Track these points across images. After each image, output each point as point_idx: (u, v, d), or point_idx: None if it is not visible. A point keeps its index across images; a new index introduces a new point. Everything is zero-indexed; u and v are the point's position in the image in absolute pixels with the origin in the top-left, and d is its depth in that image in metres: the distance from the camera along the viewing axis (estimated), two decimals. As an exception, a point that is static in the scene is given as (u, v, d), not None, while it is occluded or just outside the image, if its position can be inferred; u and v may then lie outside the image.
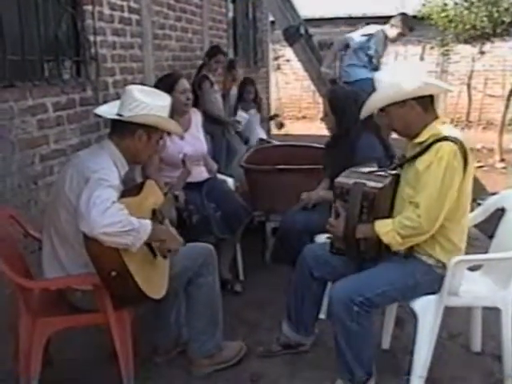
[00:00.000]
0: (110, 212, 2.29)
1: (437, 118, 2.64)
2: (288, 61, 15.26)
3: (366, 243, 2.65)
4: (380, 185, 2.60)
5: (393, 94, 2.57)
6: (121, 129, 2.66)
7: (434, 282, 2.67)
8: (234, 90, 6.61)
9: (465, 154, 2.49)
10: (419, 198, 2.51)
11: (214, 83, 5.93)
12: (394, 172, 2.75)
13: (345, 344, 2.65)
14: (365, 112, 2.75)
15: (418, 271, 2.65)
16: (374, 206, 2.60)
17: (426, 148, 2.54)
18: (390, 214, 2.70)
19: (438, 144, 2.49)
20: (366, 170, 2.85)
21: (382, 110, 2.66)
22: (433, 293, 2.68)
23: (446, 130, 2.58)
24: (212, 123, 6.11)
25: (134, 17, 4.65)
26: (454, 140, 2.48)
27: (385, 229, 2.55)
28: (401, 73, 2.68)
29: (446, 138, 2.49)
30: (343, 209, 2.67)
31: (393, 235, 2.53)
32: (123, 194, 2.51)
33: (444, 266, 2.63)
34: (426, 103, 2.61)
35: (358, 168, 2.88)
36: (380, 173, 2.78)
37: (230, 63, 6.49)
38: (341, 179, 2.72)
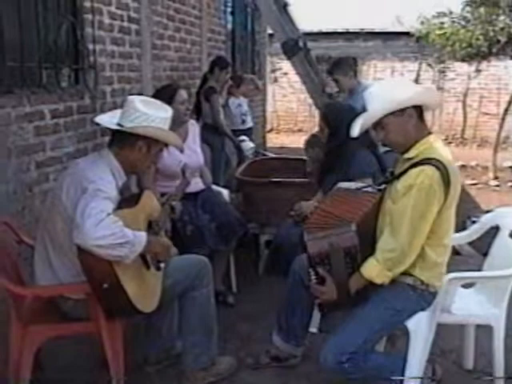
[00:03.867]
0: (104, 224, 2.27)
1: (430, 133, 2.62)
2: (285, 74, 15.35)
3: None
4: (353, 230, 2.52)
5: (389, 104, 2.52)
6: (121, 139, 2.66)
7: (418, 302, 2.66)
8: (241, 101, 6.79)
9: (447, 177, 2.45)
10: (398, 223, 2.49)
11: (217, 93, 6.12)
12: (381, 187, 2.74)
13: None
14: (362, 127, 2.67)
15: (396, 301, 2.63)
16: (357, 255, 2.56)
17: (411, 166, 2.51)
18: (374, 233, 2.69)
19: (420, 168, 2.46)
20: (353, 186, 2.85)
21: (377, 124, 2.60)
22: (423, 309, 2.68)
23: (436, 148, 2.55)
24: (213, 134, 6.22)
25: (134, 26, 4.66)
26: (437, 164, 2.44)
27: (374, 271, 2.52)
28: (393, 85, 2.69)
29: (429, 162, 2.46)
30: (327, 273, 2.61)
31: (383, 273, 2.52)
32: (120, 205, 2.50)
33: (426, 284, 2.62)
34: (421, 113, 2.59)
35: (346, 185, 2.89)
36: (367, 189, 2.78)
37: (239, 79, 6.78)
38: (313, 247, 2.62)
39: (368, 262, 2.54)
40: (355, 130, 2.71)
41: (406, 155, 2.59)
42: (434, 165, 2.45)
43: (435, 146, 2.57)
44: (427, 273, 2.61)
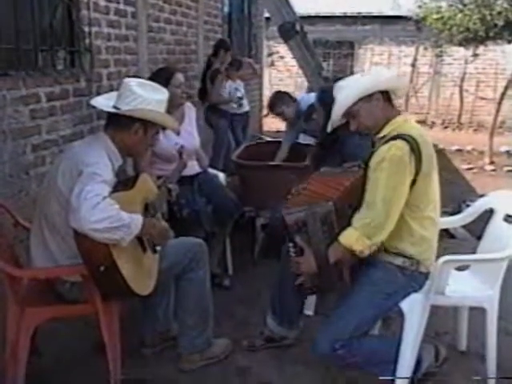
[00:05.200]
0: (100, 207, 2.27)
1: (399, 114, 2.69)
2: (282, 57, 15.28)
3: (338, 267, 2.64)
4: (330, 204, 2.57)
5: (356, 90, 2.62)
6: (117, 122, 2.65)
7: (408, 283, 2.68)
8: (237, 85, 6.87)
9: (418, 149, 2.50)
10: (372, 195, 2.53)
11: (229, 76, 6.51)
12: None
13: (365, 368, 2.76)
14: (335, 119, 2.76)
15: (386, 285, 2.66)
16: (334, 224, 2.59)
17: (382, 144, 2.57)
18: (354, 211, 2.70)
19: (391, 142, 2.53)
20: (339, 169, 2.90)
21: (348, 114, 2.69)
22: (415, 291, 2.70)
23: (405, 125, 2.63)
24: (217, 117, 6.39)
25: (130, 9, 4.64)
26: (406, 138, 2.51)
27: (352, 238, 2.53)
28: (357, 76, 2.82)
29: (398, 137, 2.53)
30: (306, 243, 2.63)
31: (361, 240, 2.52)
32: (116, 187, 2.50)
33: (417, 262, 2.65)
34: (389, 96, 2.69)
35: (333, 169, 2.95)
36: (353, 168, 2.82)
37: (238, 63, 6.84)
38: (290, 218, 2.63)
39: (346, 230, 2.57)
40: (329, 126, 2.83)
41: (379, 135, 2.67)
42: (403, 138, 2.52)
43: (405, 123, 2.65)
44: (416, 247, 2.64)
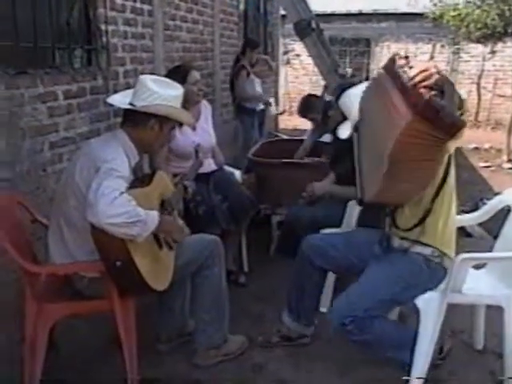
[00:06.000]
0: (118, 202, 2.29)
1: None
2: (298, 55, 15.26)
3: None
4: None
5: None
6: (133, 118, 2.68)
7: (430, 278, 2.68)
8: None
9: None
10: None
11: (250, 73, 6.63)
12: None
13: (374, 349, 2.75)
14: (354, 121, 2.75)
15: (409, 274, 2.66)
16: None
17: None
18: None
19: None
20: None
21: None
22: (433, 288, 2.69)
23: None
24: (242, 113, 6.48)
25: (146, 7, 4.65)
26: None
27: None
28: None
29: None
30: None
31: None
32: (133, 184, 2.52)
33: (444, 254, 2.64)
34: None
35: None
36: None
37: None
38: None
39: None
40: (345, 133, 2.86)
41: None
42: None
43: None
44: (443, 240, 2.64)
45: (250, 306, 3.74)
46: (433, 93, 2.15)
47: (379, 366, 2.91)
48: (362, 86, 2.84)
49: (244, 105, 6.74)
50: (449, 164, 2.52)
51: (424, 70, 2.22)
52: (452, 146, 2.29)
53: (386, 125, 2.31)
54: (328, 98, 4.40)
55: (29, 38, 3.27)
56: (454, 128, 2.14)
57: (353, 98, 2.75)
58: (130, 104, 2.66)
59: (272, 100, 7.22)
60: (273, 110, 7.23)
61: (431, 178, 2.38)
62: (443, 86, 2.20)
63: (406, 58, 2.38)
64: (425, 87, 2.17)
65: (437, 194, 2.55)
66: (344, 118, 3.29)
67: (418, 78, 2.20)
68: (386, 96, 2.36)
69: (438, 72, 2.22)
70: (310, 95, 5.23)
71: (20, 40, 3.17)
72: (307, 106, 4.95)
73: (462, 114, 2.26)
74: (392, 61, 2.41)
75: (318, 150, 4.71)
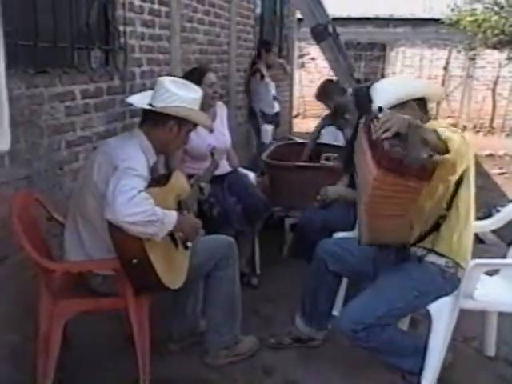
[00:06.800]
0: (136, 201, 2.31)
1: (429, 119, 2.67)
2: (313, 59, 15.25)
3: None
4: None
5: (393, 96, 2.61)
6: (152, 119, 2.71)
7: (443, 287, 2.68)
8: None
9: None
10: None
11: (265, 76, 6.63)
12: None
13: (376, 354, 2.78)
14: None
15: (423, 284, 2.66)
16: None
17: None
18: None
19: None
20: None
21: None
22: (446, 294, 2.69)
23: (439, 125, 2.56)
24: (254, 116, 6.55)
25: (164, 9, 4.68)
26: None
27: None
28: (396, 80, 2.85)
29: None
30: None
31: None
32: (150, 184, 2.54)
33: (458, 265, 2.63)
34: (424, 105, 2.67)
35: None
36: None
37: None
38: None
39: None
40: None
41: None
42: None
43: (439, 125, 2.56)
44: (459, 250, 2.62)
45: (262, 308, 3.75)
46: (393, 142, 2.14)
47: (390, 369, 2.91)
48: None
49: (256, 108, 6.74)
50: (461, 177, 2.50)
51: (385, 121, 2.21)
52: (461, 165, 2.33)
53: (365, 180, 2.36)
54: (344, 99, 4.41)
55: (48, 38, 3.31)
56: (425, 171, 2.09)
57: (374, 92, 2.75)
58: (150, 105, 2.69)
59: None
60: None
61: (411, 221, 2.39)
62: (408, 130, 2.18)
63: (380, 109, 2.35)
64: (386, 139, 2.16)
65: (451, 201, 2.55)
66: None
67: (379, 131, 2.20)
68: (364, 153, 2.40)
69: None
70: (329, 80, 5.25)
71: (40, 40, 3.21)
72: (325, 92, 4.97)
73: (435, 149, 2.17)
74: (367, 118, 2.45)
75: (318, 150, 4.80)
